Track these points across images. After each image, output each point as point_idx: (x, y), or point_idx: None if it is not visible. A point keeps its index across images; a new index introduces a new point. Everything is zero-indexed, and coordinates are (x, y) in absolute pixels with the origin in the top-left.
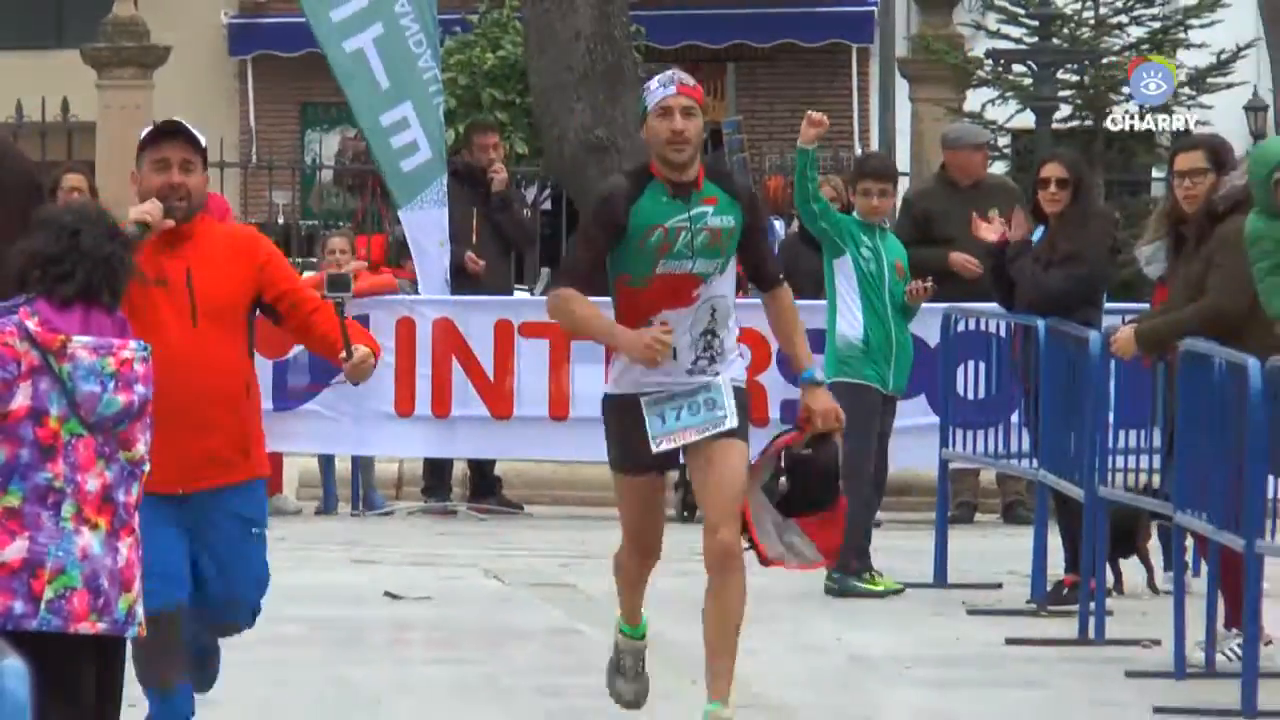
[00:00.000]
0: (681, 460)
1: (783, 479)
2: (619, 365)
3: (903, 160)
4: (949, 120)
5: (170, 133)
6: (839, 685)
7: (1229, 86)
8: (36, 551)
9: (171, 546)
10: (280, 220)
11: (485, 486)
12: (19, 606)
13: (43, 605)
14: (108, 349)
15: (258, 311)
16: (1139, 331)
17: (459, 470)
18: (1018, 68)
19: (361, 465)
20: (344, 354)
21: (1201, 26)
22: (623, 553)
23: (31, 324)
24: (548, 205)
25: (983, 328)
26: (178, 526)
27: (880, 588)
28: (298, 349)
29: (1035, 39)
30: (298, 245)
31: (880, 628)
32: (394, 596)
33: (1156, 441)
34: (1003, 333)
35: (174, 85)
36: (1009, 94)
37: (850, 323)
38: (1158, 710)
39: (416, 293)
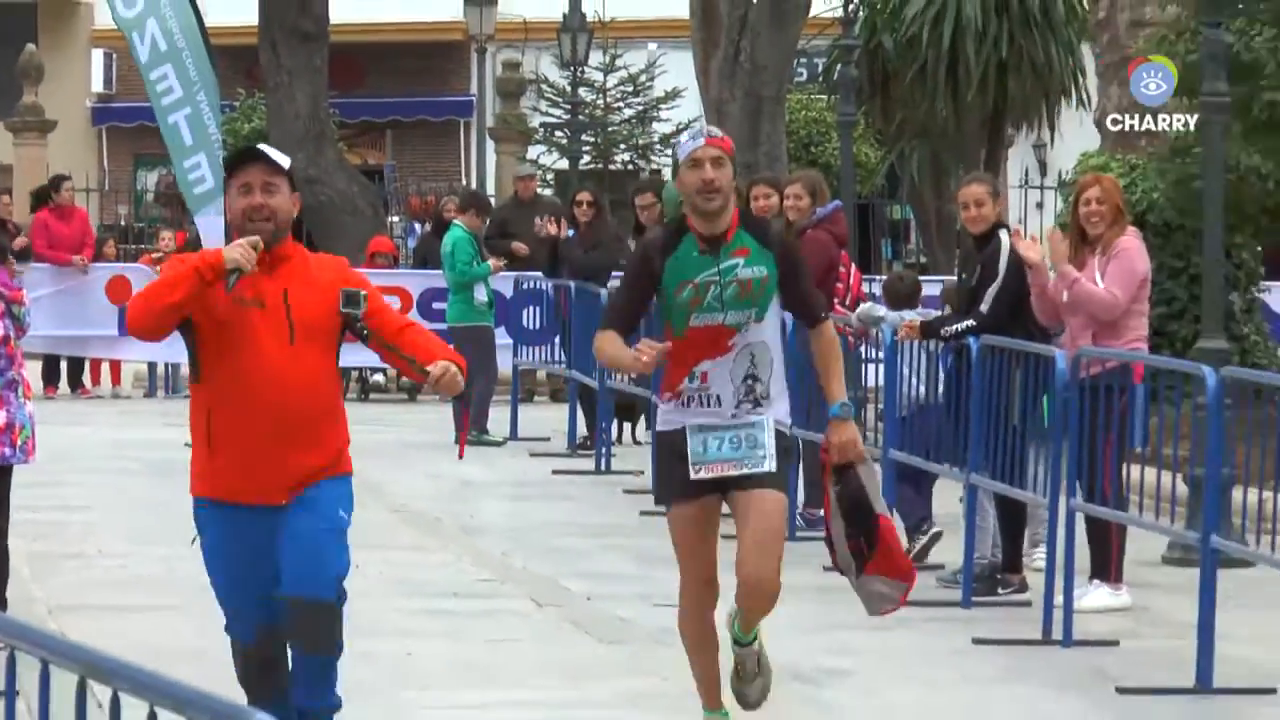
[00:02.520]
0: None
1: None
2: (667, 410)
3: (491, 189)
4: (518, 164)
5: (251, 157)
6: None
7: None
8: (10, 417)
9: (267, 580)
10: (122, 223)
11: None
12: (6, 452)
13: (16, 449)
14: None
15: (346, 332)
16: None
17: None
18: (559, 134)
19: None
20: (426, 371)
21: (669, 109)
22: (683, 601)
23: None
24: None
25: (538, 286)
26: (268, 557)
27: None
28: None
29: (569, 116)
30: (134, 238)
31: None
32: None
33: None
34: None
35: (60, 143)
36: (553, 148)
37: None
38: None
39: None
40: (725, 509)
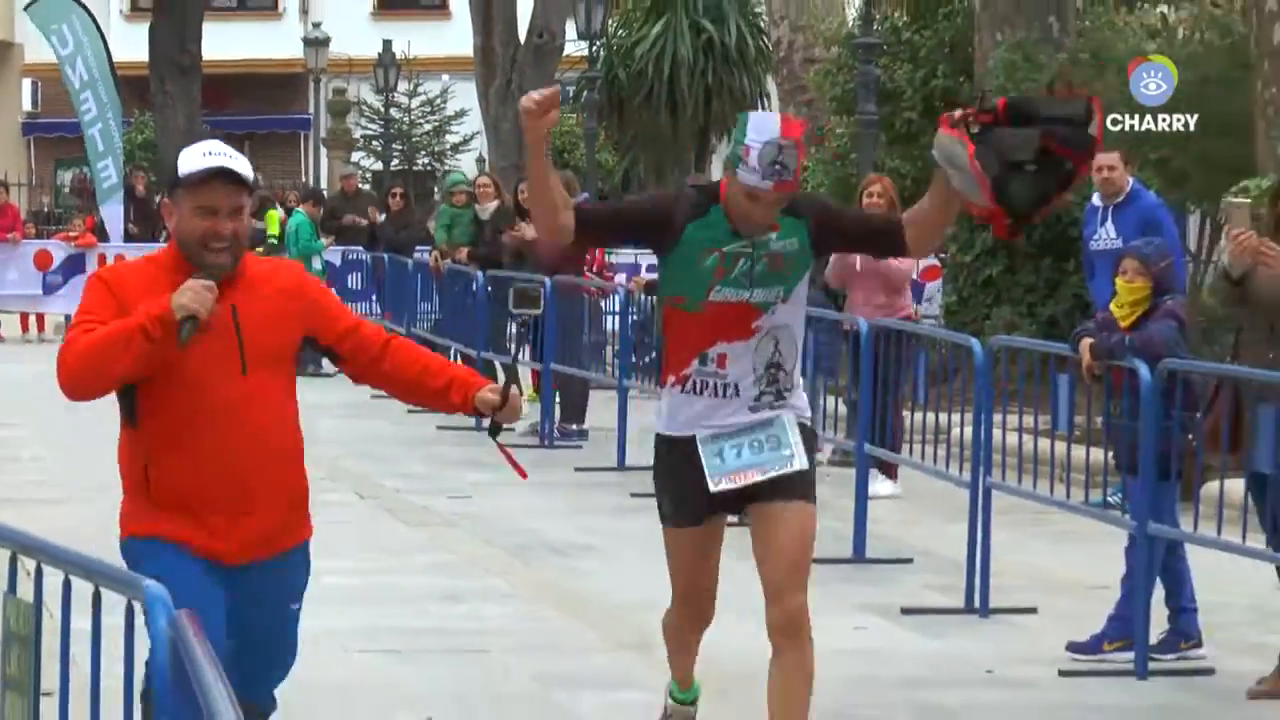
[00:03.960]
0: (738, 516)
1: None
2: (672, 399)
3: (324, 185)
4: (344, 165)
5: (219, 175)
6: None
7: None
8: None
9: (218, 627)
10: (45, 209)
11: None
12: None
13: None
14: None
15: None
16: None
17: None
18: (375, 143)
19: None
20: (499, 397)
21: (457, 124)
22: (671, 612)
23: None
24: None
25: (359, 256)
26: (221, 605)
27: None
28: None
29: (382, 129)
30: (54, 221)
31: None
32: None
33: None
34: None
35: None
36: (370, 154)
37: None
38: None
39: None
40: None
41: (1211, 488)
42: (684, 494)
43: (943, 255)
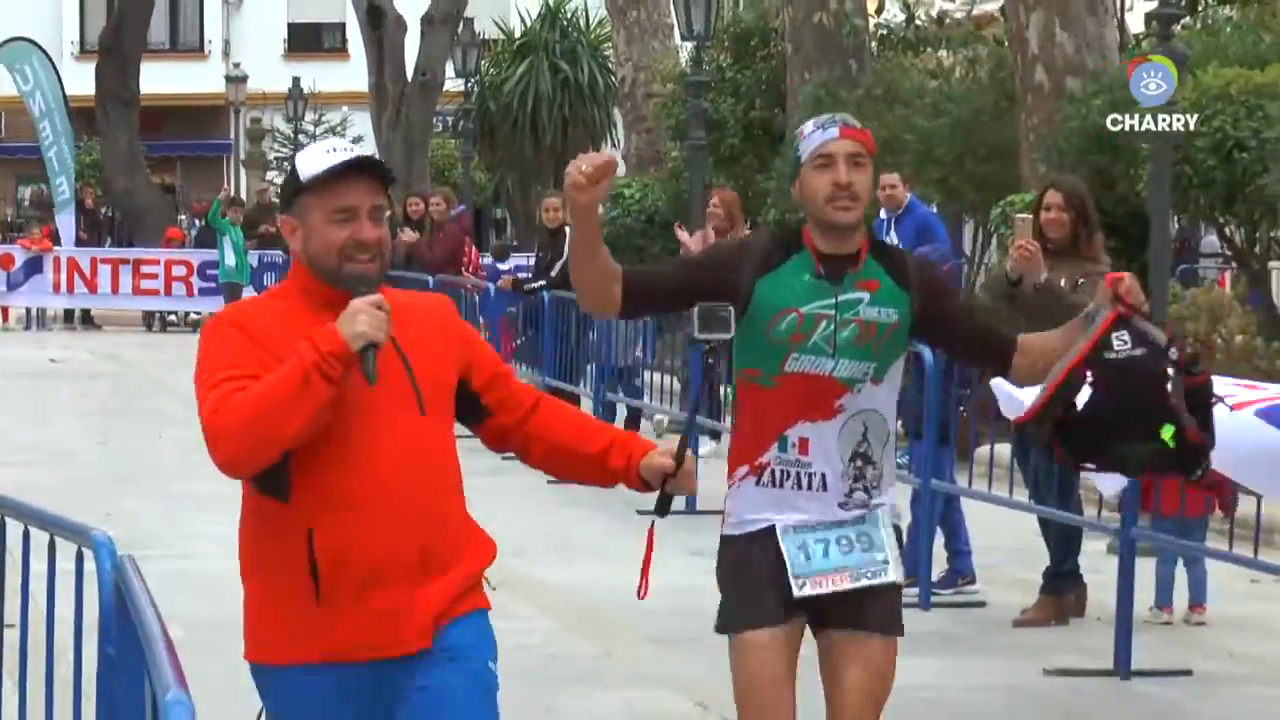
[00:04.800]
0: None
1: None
2: (744, 492)
3: (245, 198)
4: (260, 182)
5: (358, 167)
6: None
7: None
8: None
9: None
10: (7, 219)
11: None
12: None
13: None
14: None
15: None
16: None
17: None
18: (285, 164)
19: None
20: (672, 460)
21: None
22: None
23: None
24: None
25: (274, 260)
26: (393, 701)
27: None
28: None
29: (292, 152)
30: (15, 229)
31: None
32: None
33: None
34: None
35: None
36: (282, 173)
37: None
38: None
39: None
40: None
41: (983, 451)
42: (758, 588)
43: None
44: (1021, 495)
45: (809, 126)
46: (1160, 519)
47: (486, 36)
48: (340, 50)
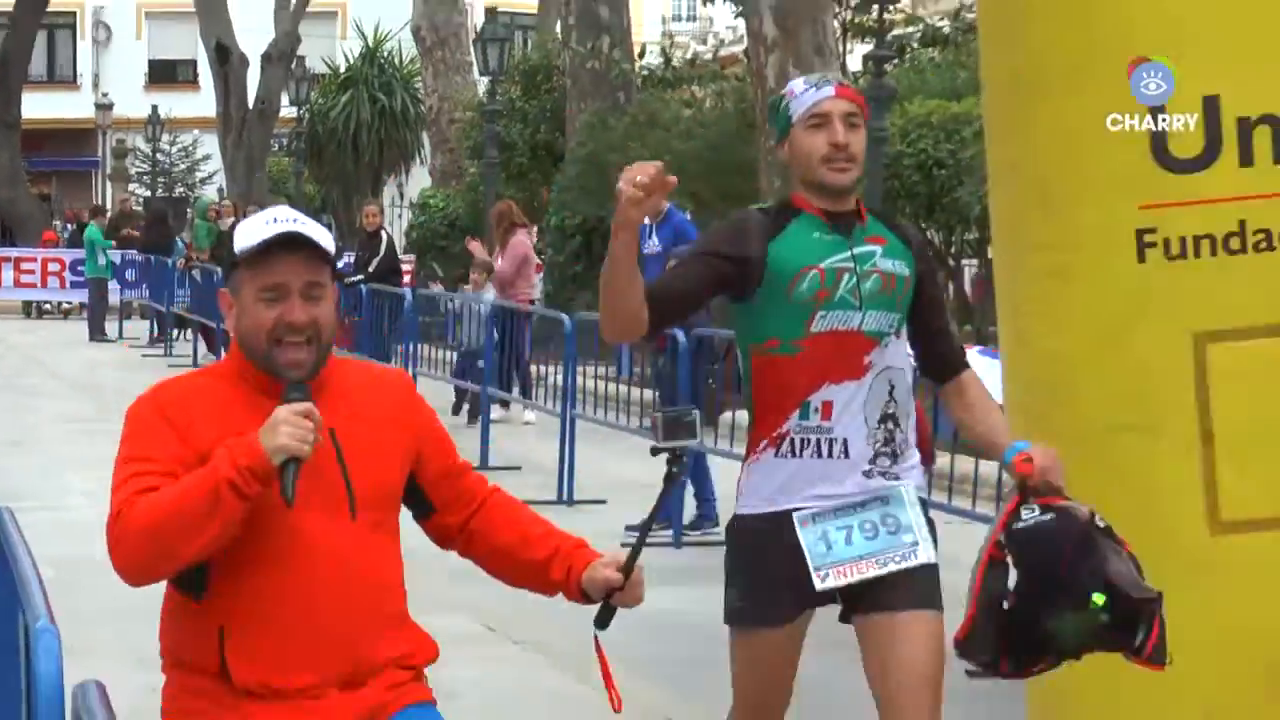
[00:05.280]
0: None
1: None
2: (760, 466)
3: (109, 207)
4: (123, 193)
5: (289, 244)
6: None
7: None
8: None
9: None
10: None
11: None
12: None
13: None
14: None
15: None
16: None
17: None
18: (145, 177)
19: None
20: (620, 573)
21: (205, 165)
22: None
23: None
24: None
25: (133, 259)
26: None
27: None
28: None
29: (150, 167)
30: None
31: None
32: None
33: None
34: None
35: None
36: (142, 185)
37: None
38: None
39: None
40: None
41: (727, 416)
42: (772, 585)
43: (543, 256)
44: None
45: (799, 85)
46: None
47: (316, 72)
48: (192, 82)
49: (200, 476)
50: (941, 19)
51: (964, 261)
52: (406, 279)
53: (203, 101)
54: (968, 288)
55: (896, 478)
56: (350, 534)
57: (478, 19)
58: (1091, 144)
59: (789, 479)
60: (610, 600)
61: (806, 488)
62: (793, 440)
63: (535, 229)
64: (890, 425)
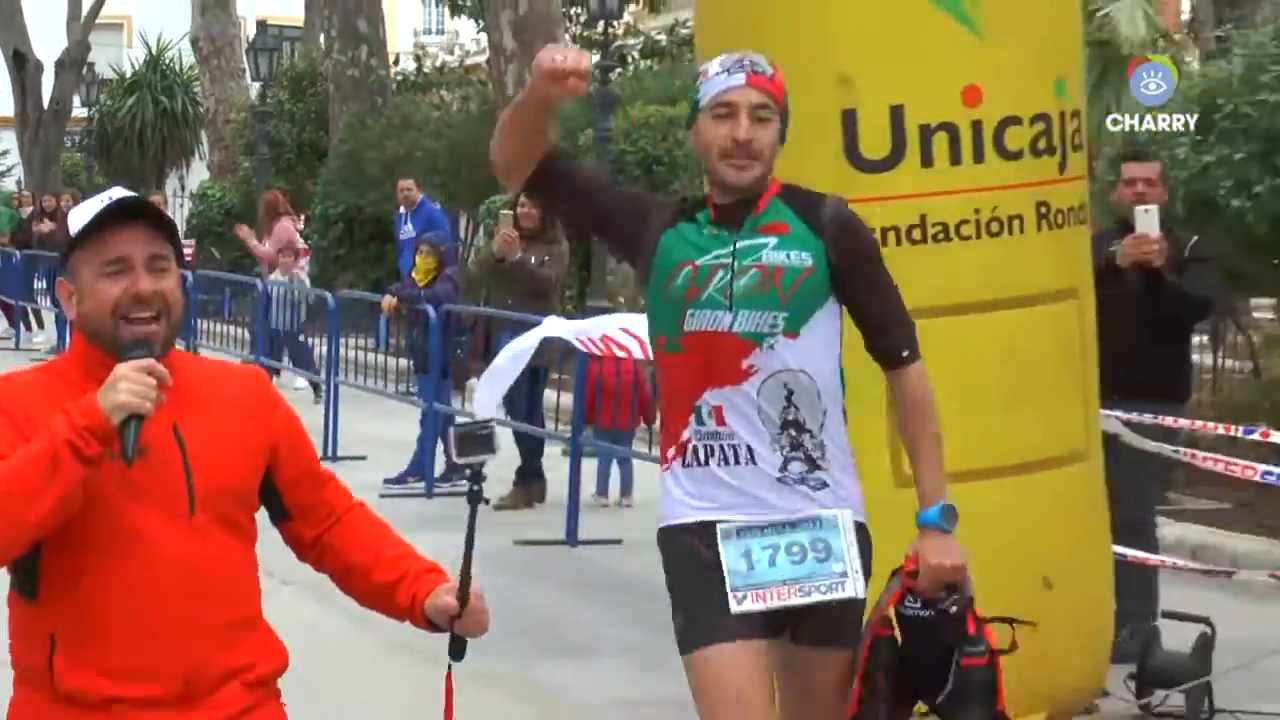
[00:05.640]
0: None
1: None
2: (674, 478)
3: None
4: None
5: (129, 213)
6: None
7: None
8: None
9: None
10: None
11: None
12: None
13: None
14: None
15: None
16: None
17: None
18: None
19: None
20: (456, 599)
21: (2, 160)
22: None
23: None
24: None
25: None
26: None
27: None
28: None
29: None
30: None
31: None
32: None
33: None
34: None
35: None
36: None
37: None
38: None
39: None
40: None
41: (473, 382)
42: (706, 606)
43: (309, 241)
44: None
45: (714, 66)
46: (600, 430)
47: (105, 77)
48: None
49: (37, 444)
50: (660, 33)
51: None
52: (188, 260)
53: (1, 103)
54: None
55: (824, 485)
56: (192, 534)
57: (250, 30)
58: (795, 147)
59: (704, 488)
60: (454, 629)
61: (725, 495)
62: (695, 449)
63: (302, 217)
64: (794, 432)
